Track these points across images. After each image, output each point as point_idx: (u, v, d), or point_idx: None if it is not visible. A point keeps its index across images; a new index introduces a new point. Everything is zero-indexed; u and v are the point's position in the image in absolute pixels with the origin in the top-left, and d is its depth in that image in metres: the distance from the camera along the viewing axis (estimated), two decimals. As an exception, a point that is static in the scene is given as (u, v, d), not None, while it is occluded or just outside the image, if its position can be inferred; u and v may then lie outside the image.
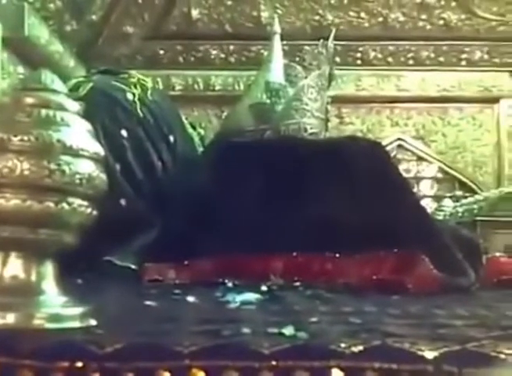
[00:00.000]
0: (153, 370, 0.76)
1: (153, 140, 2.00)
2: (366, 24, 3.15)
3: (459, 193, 3.02)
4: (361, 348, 0.82)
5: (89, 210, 0.90)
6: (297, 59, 2.70)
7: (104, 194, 0.93)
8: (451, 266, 1.61)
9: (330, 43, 2.17)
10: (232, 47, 3.17)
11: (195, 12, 3.16)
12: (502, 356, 0.81)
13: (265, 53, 2.62)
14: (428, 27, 3.16)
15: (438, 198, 3.04)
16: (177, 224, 1.79)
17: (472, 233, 1.97)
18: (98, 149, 0.92)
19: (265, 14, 3.11)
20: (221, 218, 1.74)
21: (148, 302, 1.15)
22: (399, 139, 3.10)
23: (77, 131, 0.88)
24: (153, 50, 3.14)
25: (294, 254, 1.64)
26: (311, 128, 2.04)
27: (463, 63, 3.18)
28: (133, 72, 2.14)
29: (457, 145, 3.13)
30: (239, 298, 1.23)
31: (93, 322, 0.88)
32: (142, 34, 3.12)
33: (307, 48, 2.86)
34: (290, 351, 0.81)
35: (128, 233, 1.75)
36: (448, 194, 3.04)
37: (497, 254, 1.92)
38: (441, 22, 3.15)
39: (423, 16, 3.14)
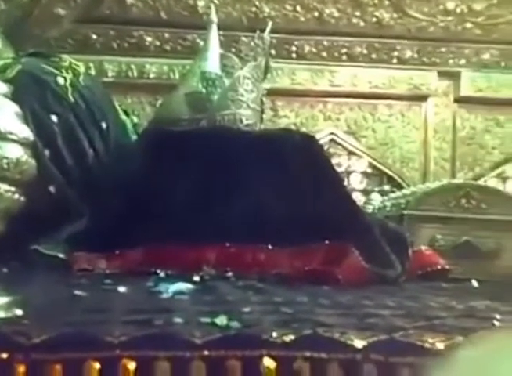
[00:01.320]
0: (82, 360, 0.74)
1: (84, 126, 1.95)
2: (302, 18, 3.18)
3: (387, 187, 3.10)
4: (292, 337, 0.83)
5: (16, 196, 0.87)
6: (234, 49, 2.69)
7: (32, 180, 0.90)
8: (379, 259, 1.65)
9: (266, 35, 2.18)
10: (167, 35, 3.13)
11: (130, -3, 3.09)
12: (427, 345, 0.84)
13: (201, 42, 2.60)
14: (362, 23, 3.21)
15: (366, 192, 3.11)
16: (108, 213, 1.76)
17: (399, 227, 2.03)
18: (27, 133, 0.88)
19: (201, 3, 3.08)
20: (154, 207, 1.72)
21: (77, 292, 1.12)
22: (331, 133, 3.14)
23: (4, 114, 0.85)
24: (85, 34, 3.05)
25: (227, 244, 1.64)
26: (246, 119, 2.04)
27: (394, 60, 3.25)
28: (64, 56, 2.08)
29: (386, 141, 3.21)
30: (172, 288, 1.22)
31: (20, 312, 0.85)
32: (74, 17, 3.03)
33: (243, 39, 2.86)
34: (222, 340, 0.81)
35: (56, 220, 1.70)
36: (377, 189, 3.11)
37: (422, 247, 1.99)
38: (374, 19, 3.21)
39: (357, 13, 3.19)
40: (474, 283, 1.82)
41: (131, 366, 0.76)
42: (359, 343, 0.83)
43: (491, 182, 3.05)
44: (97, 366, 0.75)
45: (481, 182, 2.87)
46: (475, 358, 0.46)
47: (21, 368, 0.72)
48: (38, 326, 0.78)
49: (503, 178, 3.17)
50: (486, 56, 3.26)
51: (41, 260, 1.60)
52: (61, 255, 1.63)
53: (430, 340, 0.85)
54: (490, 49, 3.24)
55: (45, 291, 1.22)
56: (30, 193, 0.90)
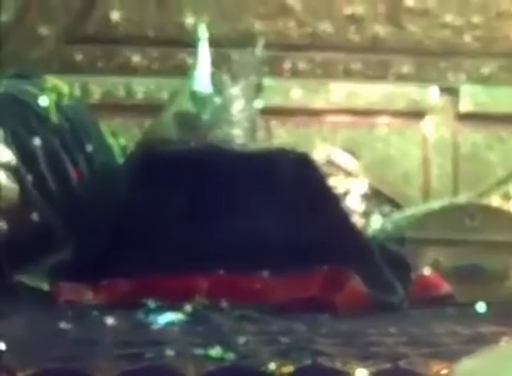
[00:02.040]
0: (69, 397, 0.74)
1: (68, 149, 1.95)
2: (295, 34, 3.21)
3: (387, 208, 3.10)
4: (291, 368, 0.82)
5: (-1, 224, 0.87)
6: (224, 67, 2.71)
7: (15, 207, 0.90)
8: (380, 284, 1.65)
9: (258, 52, 2.19)
10: (155, 53, 3.15)
11: (115, 15, 3.12)
12: (432, 373, 0.84)
13: (191, 61, 2.61)
14: (357, 39, 3.24)
15: (366, 214, 3.11)
16: (94, 241, 1.75)
17: (401, 250, 2.03)
18: (9, 157, 0.89)
19: (189, 20, 3.11)
20: (142, 234, 1.71)
21: (63, 325, 1.11)
22: (328, 153, 3.15)
23: (-14, 138, 0.85)
24: (69, 54, 3.07)
25: (220, 272, 1.63)
26: (238, 139, 2.04)
27: (391, 76, 3.28)
28: (48, 77, 2.08)
29: (385, 159, 3.22)
30: (162, 319, 1.21)
31: (2, 346, 0.85)
32: (58, 37, 3.05)
33: (234, 56, 2.88)
34: (217, 373, 0.80)
35: (40, 249, 1.69)
36: (377, 210, 3.11)
37: (425, 270, 1.98)
38: (370, 35, 3.24)
39: (352, 28, 3.23)
40: (481, 307, 1.81)
41: (121, 402, 0.76)
42: (362, 372, 0.83)
43: (495, 200, 3.05)
44: (85, 402, 0.74)
45: (484, 200, 2.88)
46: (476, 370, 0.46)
47: (5, 406, 0.71)
48: (22, 361, 0.77)
49: (508, 197, 3.17)
50: (486, 70, 3.29)
51: (25, 292, 1.59)
52: (45, 287, 1.61)
53: (435, 367, 0.85)
54: (490, 63, 3.28)
55: (29, 324, 1.21)
56: (12, 220, 0.90)
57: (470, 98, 3.24)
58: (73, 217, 1.85)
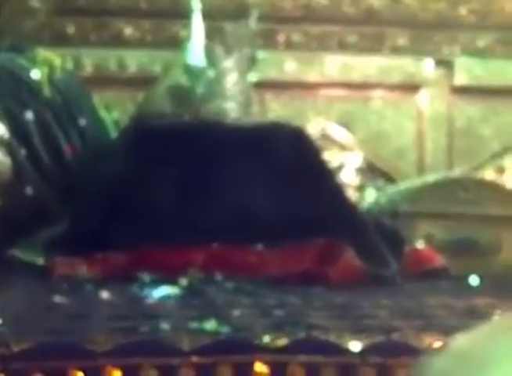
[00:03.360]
0: (65, 370, 0.74)
1: (61, 123, 1.93)
2: (289, 6, 3.17)
3: (381, 182, 3.10)
4: (285, 341, 0.83)
5: (-8, 198, 0.86)
6: (218, 40, 2.68)
7: (8, 181, 0.89)
8: (374, 257, 1.66)
9: (252, 24, 2.17)
10: (147, 25, 3.11)
11: (107, -13, 3.08)
12: (425, 346, 0.85)
13: (184, 33, 2.59)
14: (352, 11, 3.21)
15: (360, 187, 3.11)
16: (88, 214, 1.74)
17: (395, 224, 2.03)
18: (1, 131, 0.88)
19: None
20: (136, 208, 1.71)
21: (58, 299, 1.12)
22: (322, 126, 3.14)
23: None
24: (61, 26, 3.03)
25: (215, 245, 1.63)
26: (232, 113, 2.03)
27: (386, 49, 3.25)
28: (40, 50, 2.06)
29: (379, 133, 3.21)
30: (157, 292, 1.22)
31: (-3, 321, 0.85)
32: (50, 9, 3.01)
33: (228, 28, 2.85)
34: (212, 346, 0.81)
35: (34, 223, 1.69)
36: (371, 184, 3.11)
37: (419, 244, 1.99)
38: (365, 6, 3.21)
39: (347, 0, 3.20)
40: (474, 280, 1.82)
41: (117, 375, 0.76)
42: (356, 345, 0.84)
43: (489, 174, 3.06)
44: (80, 375, 0.75)
45: (478, 174, 2.89)
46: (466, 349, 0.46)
47: (0, 379, 0.71)
48: (18, 334, 0.77)
49: (502, 170, 3.18)
50: (481, 43, 3.27)
51: (20, 266, 1.58)
52: (39, 261, 1.61)
53: (428, 340, 0.86)
54: (485, 36, 3.25)
55: (24, 298, 1.21)
56: (5, 194, 0.90)
57: (465, 71, 3.23)
58: (66, 191, 1.84)
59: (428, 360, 0.49)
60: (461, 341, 0.49)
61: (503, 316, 0.53)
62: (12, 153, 0.86)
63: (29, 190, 1.73)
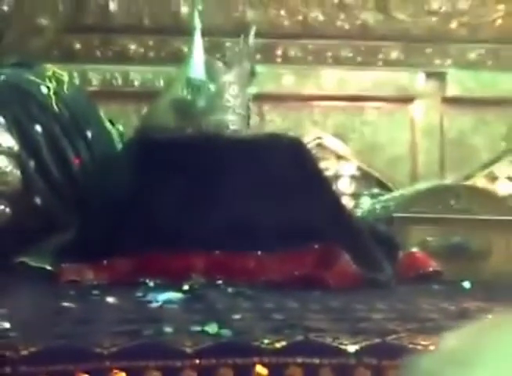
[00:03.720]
0: (72, 373, 0.74)
1: (69, 136, 1.94)
2: (286, 22, 3.19)
3: (376, 190, 3.10)
4: (284, 343, 0.83)
5: (1, 207, 0.87)
6: (218, 55, 2.69)
7: (18, 192, 0.90)
8: (369, 262, 1.66)
9: (251, 40, 2.18)
10: (151, 42, 3.13)
11: (112, 5, 3.09)
12: (420, 348, 0.85)
13: (185, 49, 2.60)
14: (346, 26, 3.23)
15: (355, 196, 3.12)
16: (95, 223, 1.75)
17: (389, 230, 2.04)
18: (11, 143, 0.88)
19: (184, 9, 3.08)
20: (141, 216, 1.71)
21: (65, 304, 1.11)
22: (319, 137, 3.15)
23: (-12, 125, 0.85)
24: (68, 43, 3.05)
25: (216, 252, 1.64)
26: (232, 125, 2.04)
27: (380, 62, 3.27)
28: (48, 66, 2.07)
29: (374, 144, 3.22)
30: (161, 297, 1.22)
31: (7, 325, 0.85)
32: (57, 27, 3.03)
33: (227, 44, 2.87)
34: (213, 349, 0.81)
35: (43, 232, 1.69)
36: (366, 192, 3.12)
37: (413, 249, 1.99)
38: (359, 22, 3.23)
39: (342, 16, 3.21)
40: (466, 285, 1.82)
41: (122, 377, 0.76)
42: (352, 347, 0.84)
43: (480, 182, 3.06)
44: (87, 378, 0.75)
45: (470, 182, 2.89)
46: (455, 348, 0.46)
47: (9, 382, 0.71)
48: (26, 338, 0.77)
49: (493, 178, 3.19)
50: (472, 56, 3.28)
51: (28, 272, 1.59)
52: (48, 267, 1.62)
53: (423, 342, 0.86)
54: (476, 48, 3.27)
55: (33, 303, 1.21)
56: (15, 204, 0.90)
57: (457, 83, 3.24)
58: (74, 201, 1.85)
59: (416, 360, 0.49)
60: (449, 340, 0.49)
61: (490, 319, 0.53)
62: (21, 164, 0.87)
63: (38, 200, 1.74)
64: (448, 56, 3.27)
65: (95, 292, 1.34)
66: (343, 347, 0.84)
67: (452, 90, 3.25)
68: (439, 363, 0.46)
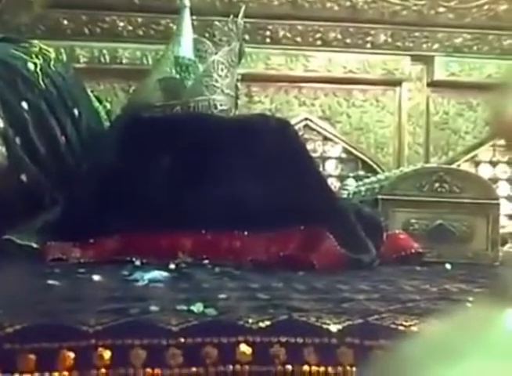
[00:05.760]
0: (57, 350, 0.74)
1: (56, 113, 1.92)
2: (276, 2, 3.16)
3: (361, 172, 3.12)
4: (268, 323, 0.83)
5: (-13, 185, 0.86)
6: (207, 34, 2.67)
7: (3, 169, 0.88)
8: (354, 243, 1.66)
9: (240, 20, 2.16)
10: (140, 19, 3.09)
11: (101, -18, 3.04)
12: (401, 328, 0.85)
13: (174, 27, 2.57)
14: (336, 8, 3.21)
15: (341, 177, 3.13)
16: (81, 201, 1.74)
17: (374, 211, 2.05)
18: (-3, 120, 0.87)
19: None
20: (128, 195, 1.70)
21: (51, 281, 1.11)
22: (306, 118, 3.14)
23: (-27, 102, 0.83)
24: (56, 19, 3.00)
25: (203, 231, 1.63)
26: (220, 105, 2.02)
27: (368, 45, 3.25)
28: (35, 41, 2.03)
29: (361, 126, 3.22)
30: (147, 276, 1.21)
31: (-9, 302, 0.84)
32: (45, 2, 2.98)
33: (217, 23, 2.83)
34: (199, 328, 0.81)
35: (29, 210, 1.67)
36: (352, 174, 3.13)
37: (397, 231, 2.00)
38: (348, 4, 3.21)
39: (331, -2, 3.19)
40: (448, 266, 1.84)
41: (107, 354, 0.76)
42: (334, 327, 0.84)
43: (464, 166, 3.08)
44: (72, 355, 0.74)
45: (454, 166, 2.91)
46: (439, 337, 0.46)
47: (-6, 359, 0.71)
48: (11, 315, 0.77)
49: (476, 163, 3.21)
50: (459, 41, 3.28)
51: (14, 250, 1.57)
52: (34, 245, 1.61)
53: (404, 323, 0.87)
54: (463, 34, 3.26)
55: (18, 280, 1.20)
56: (1, 181, 0.89)
57: (443, 67, 3.24)
58: (60, 178, 1.83)
59: (400, 348, 0.49)
60: (433, 329, 0.50)
61: (474, 308, 0.53)
62: (7, 142, 0.85)
63: (24, 178, 1.72)
64: (435, 41, 3.26)
65: (81, 270, 1.33)
66: (326, 327, 0.85)
67: (438, 74, 3.25)
68: (423, 352, 0.46)
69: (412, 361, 0.46)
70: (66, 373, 0.73)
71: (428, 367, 0.44)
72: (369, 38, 3.26)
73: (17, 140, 1.73)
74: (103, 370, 0.75)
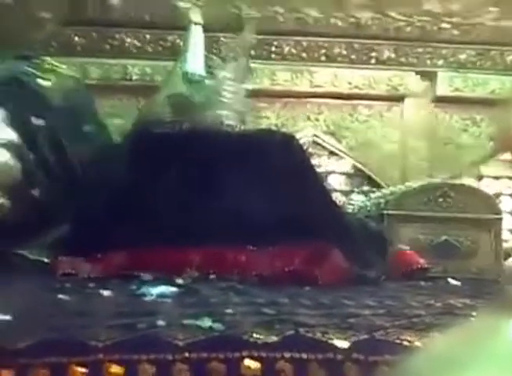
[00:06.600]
0: (67, 365, 0.74)
1: (67, 129, 1.93)
2: (281, 19, 3.18)
3: (367, 187, 3.11)
4: (274, 338, 0.83)
5: (1, 200, 0.87)
6: (214, 50, 2.68)
7: (17, 184, 0.90)
8: (359, 259, 1.66)
9: (247, 36, 2.17)
10: (148, 36, 3.11)
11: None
12: (406, 343, 0.85)
13: (181, 43, 2.59)
14: (340, 24, 3.22)
15: (347, 192, 3.13)
16: (91, 216, 1.74)
17: (380, 227, 2.04)
18: (11, 136, 0.88)
19: (181, 4, 3.07)
20: (136, 210, 1.71)
21: (61, 296, 1.11)
22: (312, 134, 3.15)
23: (-12, 120, 0.85)
24: (68, 37, 3.03)
25: (209, 246, 1.63)
26: (228, 120, 2.04)
27: (373, 61, 3.27)
28: (48, 59, 2.05)
29: (366, 141, 3.22)
30: (155, 290, 1.22)
31: (4, 317, 0.85)
32: (57, 20, 3.01)
33: (223, 39, 2.86)
34: (205, 342, 0.81)
35: (41, 224, 1.68)
36: (357, 189, 3.12)
37: (402, 246, 2.00)
38: (353, 20, 3.22)
39: (336, 14, 3.20)
40: (453, 282, 1.83)
41: (116, 369, 0.76)
42: (340, 343, 0.84)
43: (467, 181, 3.08)
44: (82, 370, 0.75)
45: (458, 181, 2.90)
46: (444, 352, 0.47)
47: (7, 373, 0.72)
48: (23, 331, 0.77)
49: (480, 177, 3.20)
50: (463, 56, 3.29)
51: (25, 265, 1.58)
52: (45, 260, 1.61)
53: (409, 338, 0.87)
54: (466, 50, 3.27)
55: (29, 295, 1.20)
56: (14, 197, 0.90)
57: (447, 83, 3.25)
58: (72, 194, 1.84)
59: (406, 360, 0.49)
60: (438, 342, 0.50)
61: (478, 320, 0.53)
62: (21, 157, 0.86)
63: (36, 193, 1.73)
64: (439, 57, 3.27)
65: (91, 285, 1.34)
66: (332, 342, 0.85)
67: (442, 90, 3.25)
68: (428, 365, 0.46)
69: (417, 374, 0.46)
70: (76, 387, 0.74)
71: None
72: (373, 54, 3.27)
73: (30, 155, 1.74)
74: (112, 385, 0.75)
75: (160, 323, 0.87)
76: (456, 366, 0.44)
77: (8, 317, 0.85)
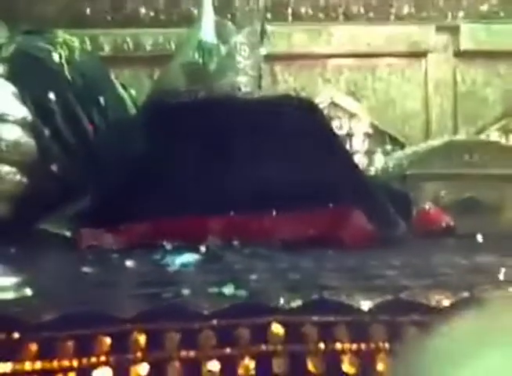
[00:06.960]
0: (93, 336, 0.75)
1: (82, 103, 1.94)
2: (296, -20, 3.12)
3: (389, 147, 3.09)
4: (299, 302, 0.84)
5: (18, 177, 0.87)
6: (228, 15, 2.65)
7: (34, 161, 0.90)
8: (384, 220, 1.66)
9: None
10: (161, 4, 3.08)
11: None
12: (433, 303, 0.85)
13: (195, 11, 2.56)
14: (357, -18, 3.16)
15: (369, 153, 3.10)
16: (112, 188, 1.75)
17: (403, 186, 2.03)
18: (25, 113, 0.88)
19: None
20: (157, 180, 1.72)
21: (85, 269, 1.13)
22: (331, 95, 3.12)
23: (1, 95, 0.85)
24: (78, 9, 3.02)
25: (232, 214, 1.64)
26: (244, 87, 2.02)
27: (392, 18, 3.20)
28: (59, 32, 2.05)
29: (387, 100, 3.18)
30: (178, 259, 1.22)
31: (29, 292, 0.86)
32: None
33: (237, 4, 2.81)
34: (231, 310, 0.82)
35: (61, 199, 1.70)
36: (379, 149, 3.10)
37: (427, 205, 1.99)
38: (370, -23, 3.16)
39: (352, -29, 3.14)
40: (479, 238, 1.82)
41: (142, 339, 0.77)
42: (365, 305, 0.84)
43: (493, 136, 3.03)
44: (108, 340, 0.76)
45: (483, 136, 2.86)
46: (478, 321, 0.46)
47: (33, 347, 0.73)
48: (48, 305, 0.79)
49: (506, 132, 3.15)
50: (485, 7, 3.21)
51: (48, 239, 1.60)
52: (67, 233, 1.63)
53: (436, 297, 0.86)
54: (488, 0, 3.19)
55: (53, 269, 1.22)
56: (32, 173, 0.90)
57: (470, 36, 3.17)
58: (90, 167, 1.85)
59: (430, 341, 0.48)
60: (462, 321, 0.49)
61: (503, 299, 0.52)
62: (36, 133, 0.86)
63: (54, 168, 1.75)
64: (460, 9, 3.19)
65: (114, 256, 1.35)
66: (357, 304, 0.85)
67: (464, 43, 3.18)
68: (452, 345, 0.45)
69: (441, 354, 0.45)
70: (103, 357, 0.75)
71: (457, 360, 0.43)
72: (392, 10, 3.21)
73: (46, 131, 1.76)
74: (139, 354, 0.76)
75: (185, 291, 0.88)
76: (481, 346, 0.44)
77: (31, 291, 0.87)
